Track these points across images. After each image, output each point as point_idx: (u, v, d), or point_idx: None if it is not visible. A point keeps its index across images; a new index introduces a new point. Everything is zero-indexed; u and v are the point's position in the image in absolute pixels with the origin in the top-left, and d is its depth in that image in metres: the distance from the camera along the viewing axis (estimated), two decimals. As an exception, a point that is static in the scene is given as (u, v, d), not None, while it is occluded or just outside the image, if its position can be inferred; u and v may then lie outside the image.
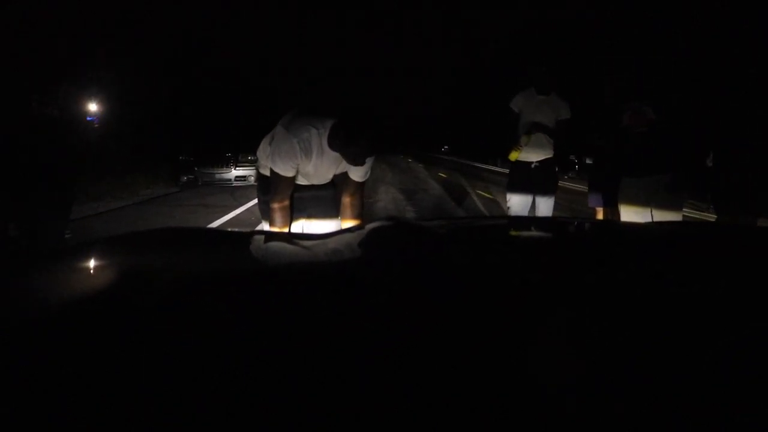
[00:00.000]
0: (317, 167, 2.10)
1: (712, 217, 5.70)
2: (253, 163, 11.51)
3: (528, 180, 3.91)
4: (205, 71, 21.67)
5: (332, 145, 1.99)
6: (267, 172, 2.21)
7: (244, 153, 11.65)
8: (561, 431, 0.33)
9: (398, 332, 0.49)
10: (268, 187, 2.19)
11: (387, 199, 10.44)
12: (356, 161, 1.98)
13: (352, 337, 0.48)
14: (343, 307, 0.56)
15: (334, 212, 2.35)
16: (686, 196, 3.28)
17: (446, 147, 71.88)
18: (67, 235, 4.82)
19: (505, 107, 3.97)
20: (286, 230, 2.16)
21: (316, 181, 2.28)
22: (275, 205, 2.12)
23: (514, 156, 3.87)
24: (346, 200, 2.24)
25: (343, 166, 2.16)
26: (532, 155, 3.86)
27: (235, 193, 10.43)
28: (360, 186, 2.22)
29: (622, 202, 3.31)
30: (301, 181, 2.28)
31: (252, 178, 11.42)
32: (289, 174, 2.06)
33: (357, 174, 2.17)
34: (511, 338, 0.47)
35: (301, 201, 2.31)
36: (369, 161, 2.11)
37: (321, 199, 2.35)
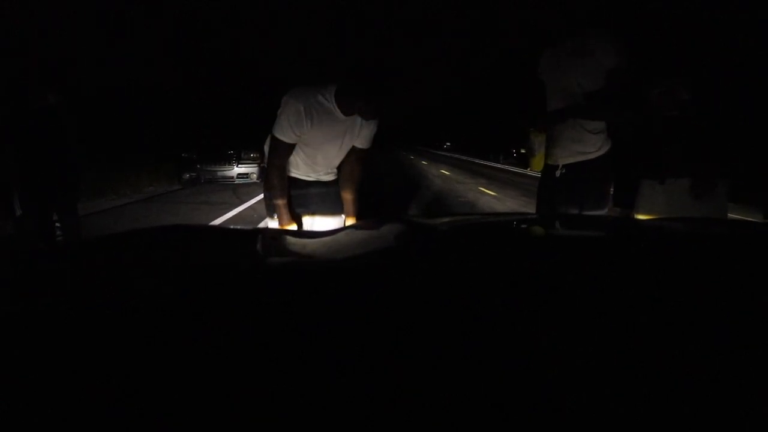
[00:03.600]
0: (327, 136, 2.12)
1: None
2: (255, 160, 11.54)
3: (550, 195, 2.44)
4: (208, 65, 21.68)
5: (342, 104, 2.02)
6: None
7: (246, 150, 11.66)
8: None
9: (403, 330, 0.49)
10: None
11: (390, 196, 10.44)
12: (372, 114, 2.05)
13: (357, 335, 0.48)
14: (348, 305, 0.56)
15: (338, 209, 2.36)
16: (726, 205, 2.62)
17: (448, 144, 71.86)
18: None
19: (534, 81, 2.49)
20: (284, 192, 2.20)
21: (323, 165, 2.29)
22: (274, 170, 2.17)
23: (537, 164, 2.53)
24: (347, 172, 2.31)
25: (350, 139, 2.19)
26: (557, 155, 2.38)
27: (238, 190, 10.44)
28: (361, 153, 2.28)
29: (639, 212, 2.68)
30: (308, 175, 2.29)
31: (254, 175, 11.44)
32: (290, 140, 2.09)
33: (362, 141, 2.23)
34: (517, 338, 0.47)
35: (305, 198, 2.32)
36: (376, 126, 2.21)
37: (325, 196, 2.36)
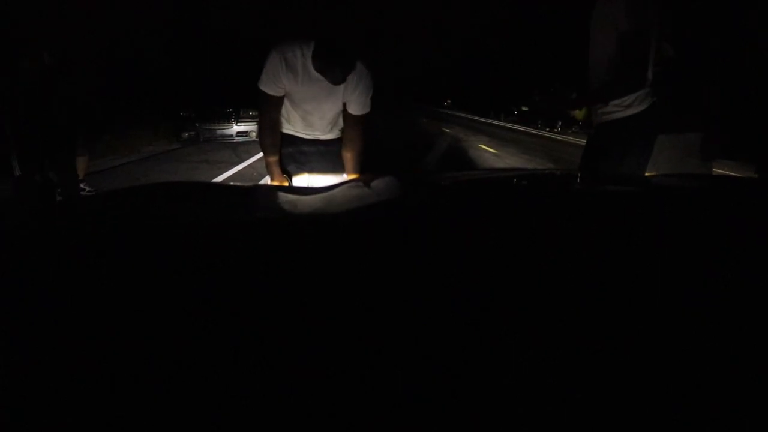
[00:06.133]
0: (309, 94, 2.10)
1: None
2: (255, 118, 11.41)
3: (588, 155, 2.29)
4: (200, 25, 21.18)
5: (315, 65, 2.00)
6: None
7: (245, 108, 11.54)
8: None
9: (398, 285, 0.49)
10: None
11: (390, 154, 10.39)
12: (336, 79, 1.99)
13: (351, 289, 0.48)
14: (345, 259, 0.57)
15: (337, 168, 2.33)
16: (713, 159, 2.48)
17: (449, 101, 70.93)
18: (90, 192, 4.92)
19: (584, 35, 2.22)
20: (276, 148, 2.21)
21: (318, 125, 2.26)
22: (264, 125, 2.18)
23: (580, 113, 2.37)
24: (346, 137, 2.25)
25: (336, 98, 2.15)
26: (591, 114, 2.28)
27: (237, 148, 10.39)
28: (357, 120, 2.21)
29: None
30: (305, 132, 2.27)
31: (254, 134, 11.34)
32: (274, 93, 2.08)
33: (354, 107, 2.17)
34: (516, 297, 0.47)
35: (305, 155, 2.31)
36: (368, 94, 2.15)
37: (324, 155, 2.34)
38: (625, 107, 2.10)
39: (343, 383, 0.34)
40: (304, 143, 2.30)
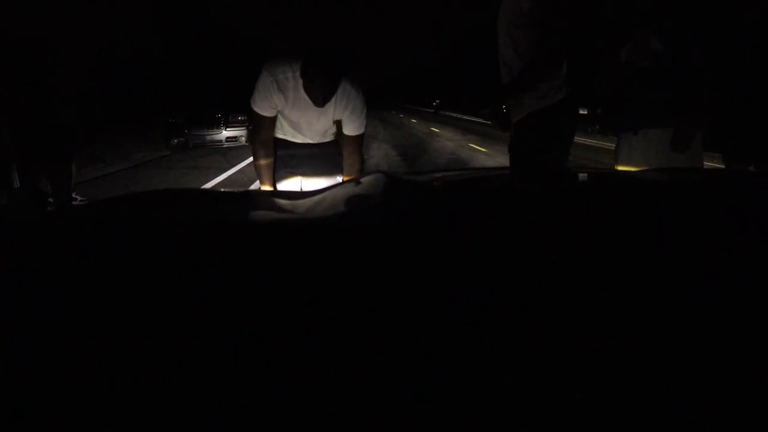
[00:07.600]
0: (300, 113, 2.10)
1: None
2: (244, 123, 11.37)
3: (516, 151, 2.33)
4: (194, 29, 21.07)
5: (303, 86, 1.99)
6: None
7: (234, 113, 11.49)
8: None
9: (389, 286, 0.49)
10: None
11: (380, 155, 10.40)
12: (317, 101, 1.99)
13: (342, 291, 0.48)
14: (334, 262, 0.57)
15: (329, 170, 2.33)
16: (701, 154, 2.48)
17: (437, 101, 70.84)
18: (82, 201, 4.89)
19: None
20: (270, 165, 2.21)
21: (309, 135, 2.26)
22: (257, 143, 2.18)
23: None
24: (344, 157, 2.25)
25: (328, 117, 2.15)
26: (510, 113, 2.28)
27: (227, 154, 10.35)
28: (354, 141, 2.21)
29: (618, 164, 2.57)
30: (296, 138, 2.27)
31: (243, 138, 11.30)
32: (267, 114, 2.09)
33: (349, 128, 2.17)
34: (506, 295, 0.47)
35: (296, 159, 2.30)
36: (361, 114, 2.14)
37: (316, 158, 2.32)
38: (539, 98, 2.15)
39: (343, 383, 0.34)
40: (295, 147, 2.28)
